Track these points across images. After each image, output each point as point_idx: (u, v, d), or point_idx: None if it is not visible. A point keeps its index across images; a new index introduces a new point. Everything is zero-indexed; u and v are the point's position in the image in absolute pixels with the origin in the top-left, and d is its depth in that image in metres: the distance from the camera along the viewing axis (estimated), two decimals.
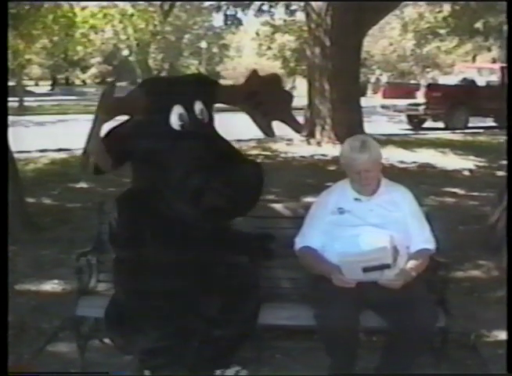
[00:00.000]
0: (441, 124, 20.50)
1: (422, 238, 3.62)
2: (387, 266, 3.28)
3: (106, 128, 3.12)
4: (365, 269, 3.29)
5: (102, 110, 3.05)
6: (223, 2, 22.58)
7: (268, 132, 3.71)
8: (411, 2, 26.26)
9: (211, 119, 3.39)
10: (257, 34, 34.28)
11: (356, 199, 3.61)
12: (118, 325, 3.41)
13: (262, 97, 3.53)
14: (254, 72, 3.58)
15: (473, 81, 22.28)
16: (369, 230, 3.47)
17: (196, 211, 3.08)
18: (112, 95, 3.12)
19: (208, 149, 3.16)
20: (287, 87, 44.95)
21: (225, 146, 3.34)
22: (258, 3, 21.66)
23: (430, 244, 3.64)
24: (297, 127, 3.79)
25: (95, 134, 2.99)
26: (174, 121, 3.19)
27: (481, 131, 19.25)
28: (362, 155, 3.50)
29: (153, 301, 3.25)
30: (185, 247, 3.26)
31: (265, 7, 22.18)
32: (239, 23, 24.61)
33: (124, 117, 3.32)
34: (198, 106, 3.26)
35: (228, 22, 23.98)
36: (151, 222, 3.25)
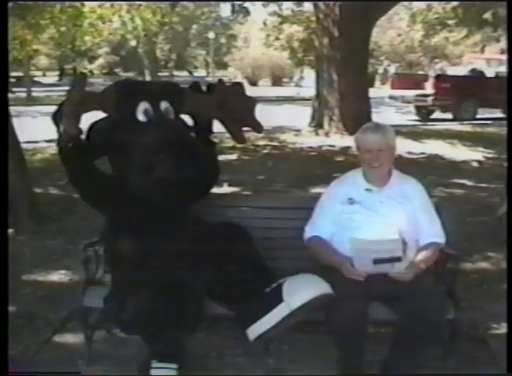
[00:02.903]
0: (449, 115, 20.41)
1: (432, 232, 3.60)
2: (398, 259, 3.27)
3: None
4: (376, 261, 3.27)
5: (73, 102, 3.24)
6: None
7: (240, 139, 3.91)
8: None
9: (178, 118, 3.67)
10: (265, 23, 34.07)
11: (367, 189, 3.60)
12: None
13: (230, 105, 3.73)
14: (220, 81, 3.89)
15: (481, 72, 22.20)
16: (379, 221, 3.46)
17: (149, 184, 3.32)
18: (83, 88, 3.32)
19: (168, 136, 3.38)
20: (295, 78, 44.97)
21: (185, 135, 3.58)
22: None
23: (439, 238, 3.61)
24: (259, 129, 3.92)
25: (66, 122, 3.22)
26: (141, 114, 3.46)
27: (489, 122, 19.13)
28: (375, 134, 3.55)
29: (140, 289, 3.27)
30: (149, 229, 3.39)
31: None
32: (247, 12, 24.44)
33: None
34: (164, 105, 3.54)
35: (236, 10, 23.80)
36: (120, 207, 3.47)
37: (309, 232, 3.67)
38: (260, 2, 22.35)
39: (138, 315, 3.21)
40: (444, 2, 24.85)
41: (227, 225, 3.69)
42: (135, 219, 3.43)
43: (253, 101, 3.88)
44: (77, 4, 17.86)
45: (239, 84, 3.94)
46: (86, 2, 18.32)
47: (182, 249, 3.33)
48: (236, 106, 3.75)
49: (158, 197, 3.38)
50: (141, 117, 3.46)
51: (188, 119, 3.79)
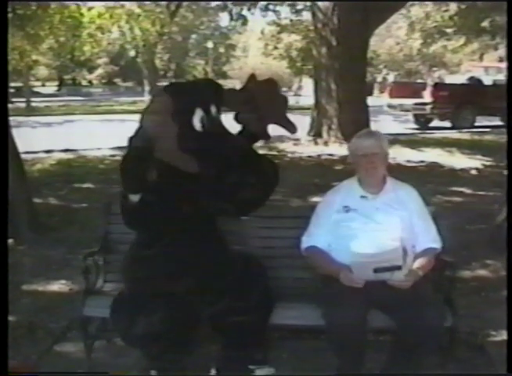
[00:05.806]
0: (448, 124, 20.44)
1: (428, 237, 3.61)
2: (398, 268, 3.28)
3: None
4: (376, 270, 3.28)
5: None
6: (229, 2, 22.50)
7: (264, 136, 3.69)
8: (417, 2, 26.20)
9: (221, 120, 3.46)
10: (262, 33, 34.20)
11: (362, 196, 3.62)
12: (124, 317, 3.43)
13: (259, 101, 3.55)
14: (253, 76, 3.63)
15: (480, 80, 22.23)
16: (375, 229, 3.47)
17: (231, 204, 3.22)
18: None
19: (228, 146, 3.26)
20: (294, 87, 45.03)
21: (240, 143, 3.42)
22: (265, 2, 21.58)
23: (436, 244, 3.62)
24: (292, 129, 3.73)
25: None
26: (196, 122, 3.24)
27: (488, 130, 19.16)
28: (369, 139, 3.63)
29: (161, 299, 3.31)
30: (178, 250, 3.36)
31: (271, 6, 22.12)
32: (245, 20, 24.50)
33: None
34: (213, 109, 3.34)
35: (234, 18, 23.83)
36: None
37: (306, 242, 3.69)
38: (259, 12, 22.38)
39: (147, 334, 3.26)
40: (442, 10, 24.96)
41: (248, 259, 3.68)
42: (168, 241, 3.39)
43: (284, 99, 3.71)
44: (77, 14, 17.90)
45: (272, 80, 3.68)
46: (85, 13, 18.34)
47: (201, 274, 3.36)
48: (265, 102, 3.54)
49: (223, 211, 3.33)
50: (197, 126, 3.25)
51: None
